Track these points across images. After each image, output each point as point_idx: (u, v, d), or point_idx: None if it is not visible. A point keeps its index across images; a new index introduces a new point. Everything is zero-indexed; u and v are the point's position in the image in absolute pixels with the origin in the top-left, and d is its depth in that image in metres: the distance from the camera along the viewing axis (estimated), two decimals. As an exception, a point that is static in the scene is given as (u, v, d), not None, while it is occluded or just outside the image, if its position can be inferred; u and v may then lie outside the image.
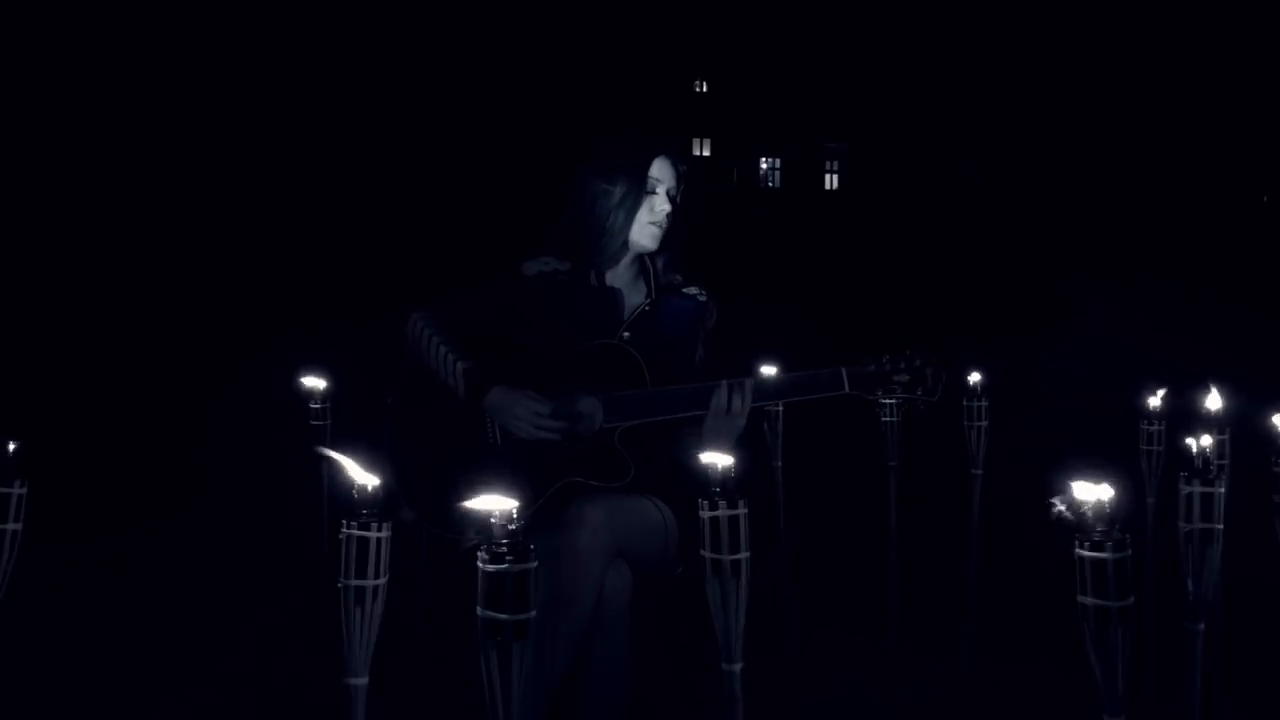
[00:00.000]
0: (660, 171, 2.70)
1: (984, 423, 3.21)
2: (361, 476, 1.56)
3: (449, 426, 2.61)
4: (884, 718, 3.13)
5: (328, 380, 3.57)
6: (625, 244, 2.71)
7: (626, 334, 2.71)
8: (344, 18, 12.62)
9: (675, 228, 2.74)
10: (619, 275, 2.75)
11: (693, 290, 2.84)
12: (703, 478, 1.68)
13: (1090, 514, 1.36)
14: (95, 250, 12.17)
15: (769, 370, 2.84)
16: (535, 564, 1.29)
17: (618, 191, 2.65)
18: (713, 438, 2.49)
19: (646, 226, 2.69)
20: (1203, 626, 2.06)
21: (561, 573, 2.35)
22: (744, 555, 1.63)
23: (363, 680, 1.57)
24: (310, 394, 3.36)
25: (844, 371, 2.61)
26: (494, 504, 1.28)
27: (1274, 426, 2.49)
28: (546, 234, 2.75)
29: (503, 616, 1.25)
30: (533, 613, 1.27)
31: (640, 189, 2.66)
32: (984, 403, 3.20)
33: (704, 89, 36.79)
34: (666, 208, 2.69)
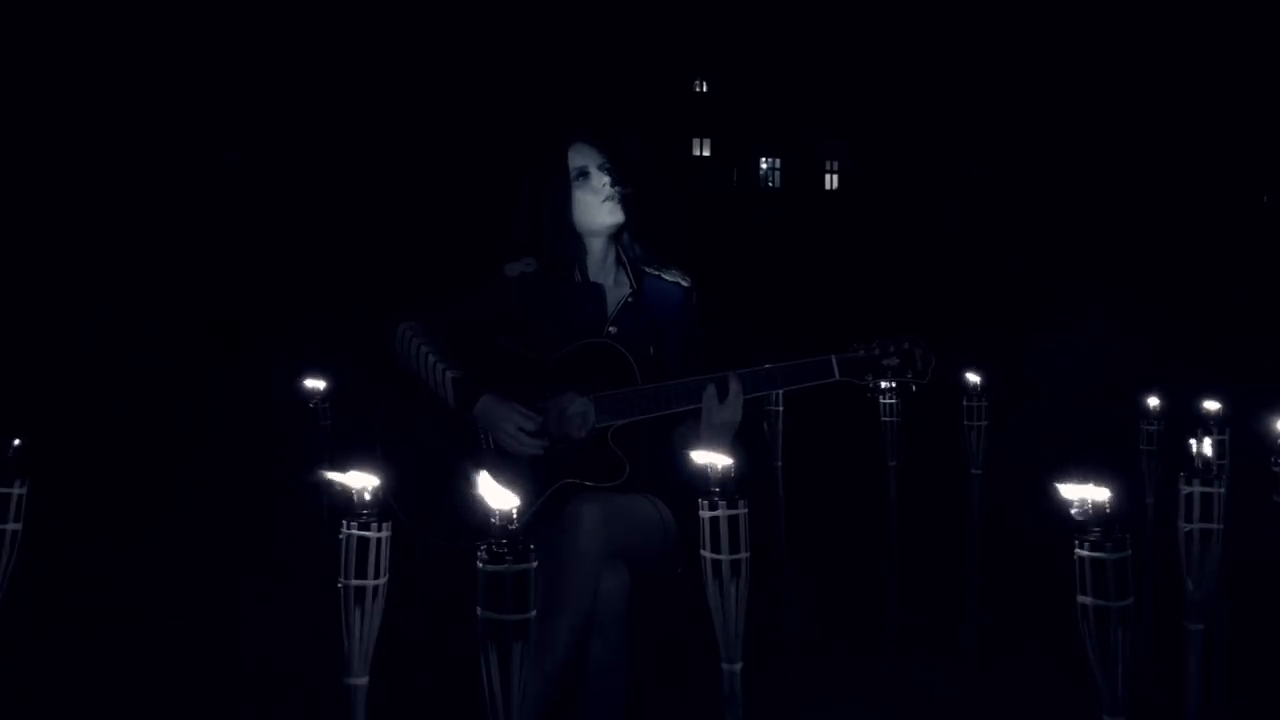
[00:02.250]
0: (579, 157, 2.75)
1: (984, 423, 3.20)
2: (359, 483, 1.56)
3: (441, 433, 2.60)
4: (884, 718, 3.14)
5: (328, 380, 3.58)
6: (579, 235, 2.74)
7: (613, 328, 2.72)
8: (344, 19, 12.63)
9: (641, 206, 2.76)
10: (598, 269, 2.78)
11: (674, 276, 2.86)
12: (700, 475, 1.68)
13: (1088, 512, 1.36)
14: (95, 247, 12.18)
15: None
16: (535, 564, 1.29)
17: (544, 191, 2.73)
18: (710, 435, 2.49)
19: (597, 207, 2.72)
20: (1203, 626, 2.06)
21: (558, 574, 2.36)
22: (744, 555, 1.63)
23: (363, 680, 1.57)
24: (311, 394, 3.36)
25: (834, 359, 2.62)
26: (495, 504, 1.28)
27: (1275, 427, 2.49)
28: (510, 240, 2.79)
29: (503, 617, 1.25)
30: (533, 613, 1.27)
31: (561, 181, 2.72)
32: (984, 403, 3.20)
33: (704, 89, 36.81)
34: (605, 180, 2.72)
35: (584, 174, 2.73)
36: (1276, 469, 2.35)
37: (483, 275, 2.75)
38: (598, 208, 2.72)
